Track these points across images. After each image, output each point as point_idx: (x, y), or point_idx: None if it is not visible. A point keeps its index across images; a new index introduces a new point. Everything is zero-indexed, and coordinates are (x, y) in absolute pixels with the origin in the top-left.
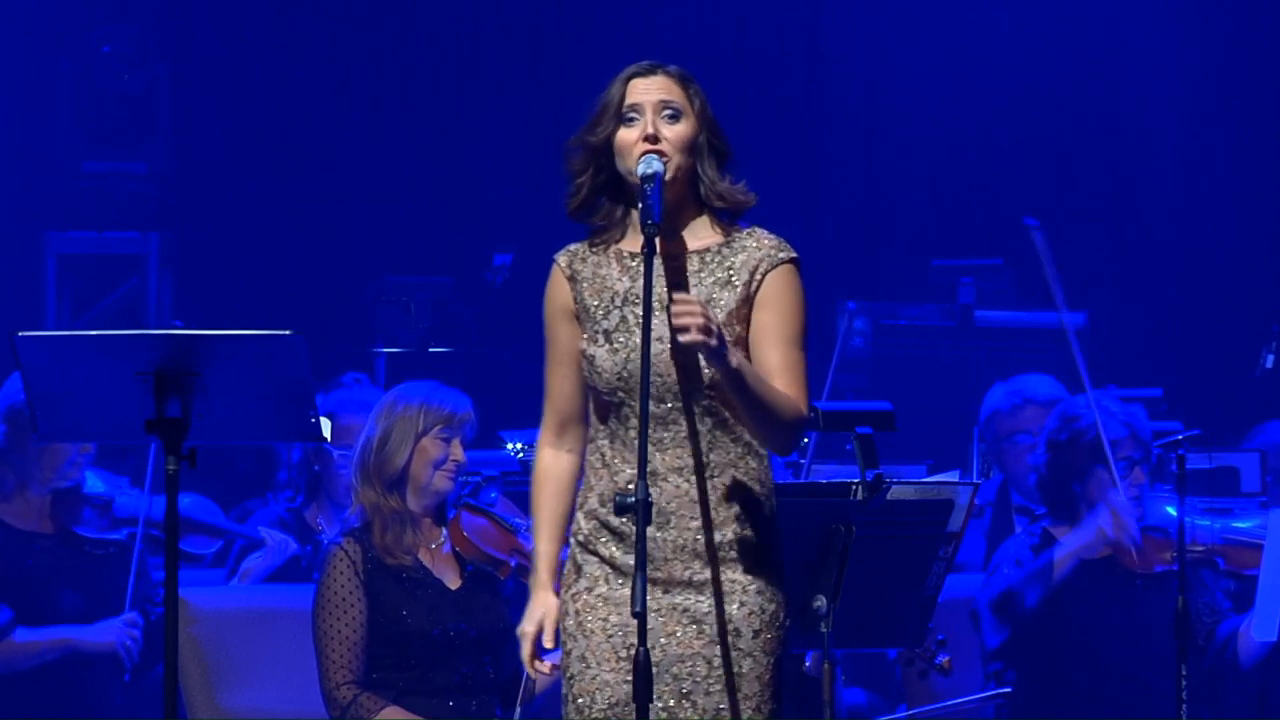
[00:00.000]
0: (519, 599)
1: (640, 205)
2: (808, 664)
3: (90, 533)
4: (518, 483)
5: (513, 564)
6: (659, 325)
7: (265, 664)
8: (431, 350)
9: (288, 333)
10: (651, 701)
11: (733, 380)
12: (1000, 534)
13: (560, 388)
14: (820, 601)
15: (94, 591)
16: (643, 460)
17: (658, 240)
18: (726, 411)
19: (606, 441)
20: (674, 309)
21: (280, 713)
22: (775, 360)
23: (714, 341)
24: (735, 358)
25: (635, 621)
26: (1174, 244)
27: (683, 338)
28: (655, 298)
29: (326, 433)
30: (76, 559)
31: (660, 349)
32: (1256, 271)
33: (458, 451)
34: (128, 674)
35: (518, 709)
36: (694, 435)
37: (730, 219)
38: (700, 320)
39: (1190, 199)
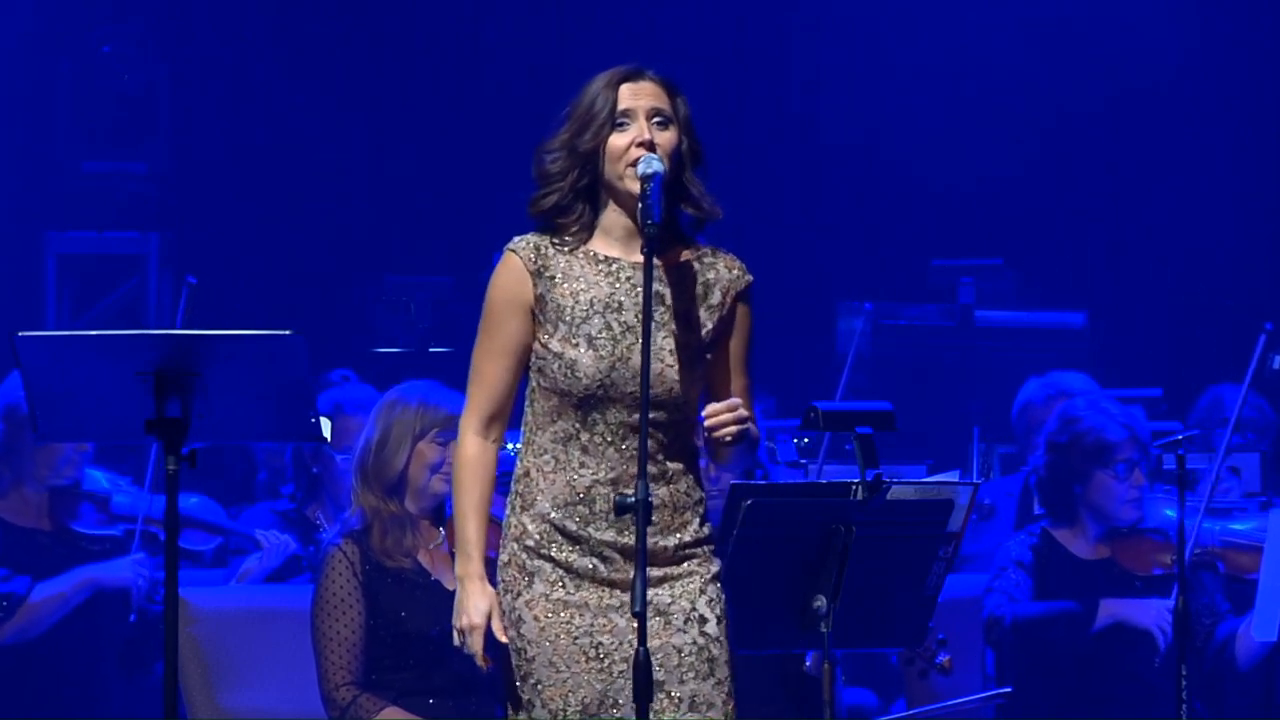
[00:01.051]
0: None
1: (640, 205)
2: (808, 664)
3: (87, 529)
4: None
5: None
6: (644, 335)
7: (265, 664)
8: (431, 350)
9: (288, 333)
10: (651, 701)
11: (747, 442)
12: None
13: (498, 379)
14: (820, 601)
15: None
16: (643, 460)
17: (627, 246)
18: (686, 424)
19: (559, 444)
20: (707, 424)
21: (280, 713)
22: (739, 386)
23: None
24: (752, 428)
25: (600, 621)
26: (1174, 244)
27: (728, 444)
28: (631, 308)
29: (326, 433)
30: (73, 555)
31: (639, 360)
32: (1257, 272)
33: None
34: (134, 614)
35: None
36: (658, 443)
37: (691, 231)
38: (735, 429)
39: (1190, 199)
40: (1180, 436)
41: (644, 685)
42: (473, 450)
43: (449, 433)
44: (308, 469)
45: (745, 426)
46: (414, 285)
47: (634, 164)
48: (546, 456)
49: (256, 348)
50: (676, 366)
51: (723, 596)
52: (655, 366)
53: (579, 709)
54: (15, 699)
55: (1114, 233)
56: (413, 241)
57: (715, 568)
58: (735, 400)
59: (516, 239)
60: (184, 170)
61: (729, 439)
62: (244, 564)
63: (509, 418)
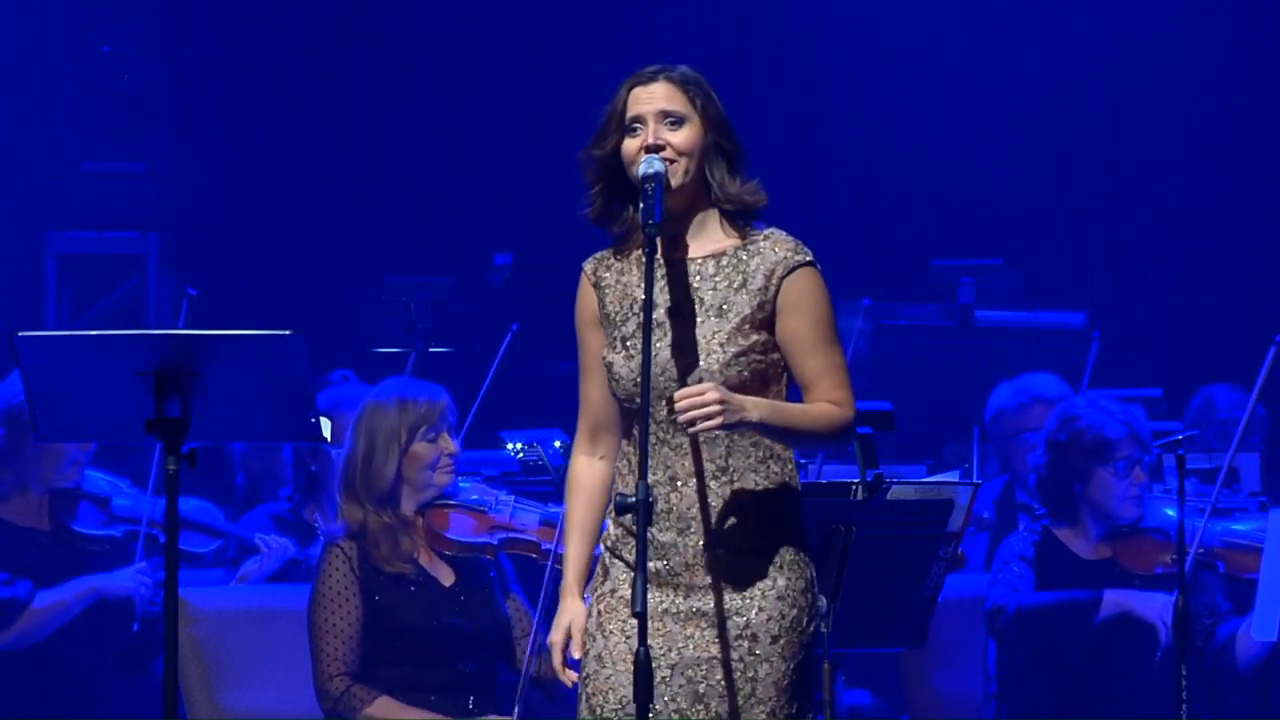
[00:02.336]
0: (520, 580)
1: (641, 206)
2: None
3: (88, 529)
4: (518, 483)
5: (495, 541)
6: (675, 330)
7: (265, 664)
8: (432, 350)
9: (288, 333)
10: (652, 702)
11: (765, 432)
12: (1005, 531)
13: (592, 395)
14: (820, 601)
15: None
16: (644, 461)
17: (660, 243)
18: None
19: (630, 447)
20: (676, 407)
21: (280, 713)
22: (815, 366)
23: (728, 418)
24: (755, 413)
25: (654, 625)
26: (1174, 244)
27: (693, 429)
28: (663, 304)
29: (326, 433)
30: (73, 556)
31: (676, 354)
32: (1258, 271)
33: (448, 445)
34: (137, 623)
35: (516, 708)
36: (713, 440)
37: (744, 220)
38: (700, 412)
39: (1190, 199)
40: (1180, 436)
41: (644, 685)
42: (578, 470)
43: (435, 427)
44: (306, 466)
45: (712, 410)
46: (414, 285)
47: None
48: (622, 461)
49: (256, 348)
50: (715, 357)
51: (790, 612)
52: (695, 361)
53: (616, 708)
54: (15, 700)
55: (1114, 233)
56: (413, 241)
57: (786, 579)
58: (704, 385)
59: (589, 257)
60: (184, 170)
61: (710, 425)
62: (243, 567)
63: (617, 431)
